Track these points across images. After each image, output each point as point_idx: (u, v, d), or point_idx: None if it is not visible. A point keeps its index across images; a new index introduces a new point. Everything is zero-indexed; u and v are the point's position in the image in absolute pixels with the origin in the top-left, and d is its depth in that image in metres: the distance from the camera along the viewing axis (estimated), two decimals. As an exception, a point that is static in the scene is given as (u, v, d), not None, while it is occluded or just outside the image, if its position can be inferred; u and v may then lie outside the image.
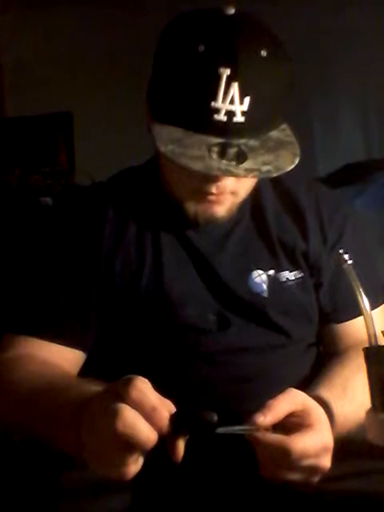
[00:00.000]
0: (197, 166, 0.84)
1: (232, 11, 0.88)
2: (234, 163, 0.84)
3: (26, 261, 1.06)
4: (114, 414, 0.67)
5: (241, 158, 0.85)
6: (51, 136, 3.28)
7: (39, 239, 1.07)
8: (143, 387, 0.69)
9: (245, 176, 0.87)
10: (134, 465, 0.70)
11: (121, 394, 0.69)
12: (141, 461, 0.71)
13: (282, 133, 0.90)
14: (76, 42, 3.08)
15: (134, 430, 0.67)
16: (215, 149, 0.85)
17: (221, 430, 0.71)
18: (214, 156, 0.85)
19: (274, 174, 0.86)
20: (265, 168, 0.85)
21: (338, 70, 2.90)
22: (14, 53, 3.20)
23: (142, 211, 1.03)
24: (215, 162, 0.84)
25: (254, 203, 1.04)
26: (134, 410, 0.68)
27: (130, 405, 0.68)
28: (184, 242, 1.01)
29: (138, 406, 0.68)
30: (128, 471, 0.70)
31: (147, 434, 0.67)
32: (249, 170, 0.85)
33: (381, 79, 2.83)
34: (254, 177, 0.90)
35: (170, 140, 0.86)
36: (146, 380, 0.70)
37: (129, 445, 0.68)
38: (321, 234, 1.04)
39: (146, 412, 0.68)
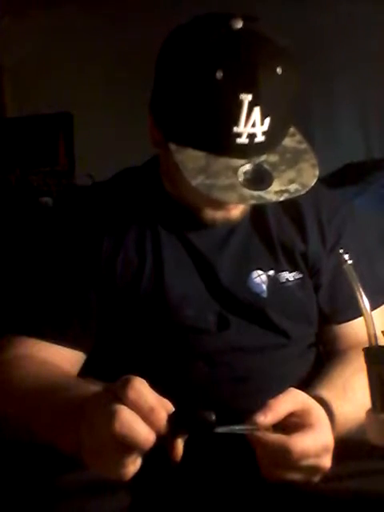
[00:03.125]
0: (231, 198, 0.85)
1: (239, 25, 0.87)
2: (263, 187, 0.85)
3: (26, 261, 1.06)
4: (112, 415, 0.67)
5: (267, 179, 0.86)
6: (51, 136, 3.28)
7: (40, 240, 1.07)
8: (141, 388, 0.69)
9: (277, 200, 0.87)
10: (133, 465, 0.70)
11: (118, 394, 0.69)
12: (139, 461, 0.71)
13: (293, 139, 0.91)
14: (76, 42, 3.08)
15: (132, 431, 0.67)
16: (242, 175, 0.85)
17: (221, 429, 0.71)
18: (244, 183, 0.85)
19: (303, 192, 0.87)
20: (292, 187, 0.86)
21: (337, 70, 2.89)
22: (14, 53, 3.20)
23: (142, 212, 1.03)
24: (246, 191, 0.85)
25: (254, 204, 1.04)
26: (131, 411, 0.68)
27: (127, 405, 0.68)
28: (184, 242, 1.02)
29: (136, 407, 0.68)
30: (126, 472, 0.70)
31: (145, 435, 0.67)
32: (279, 193, 0.86)
33: (381, 79, 2.83)
34: (285, 198, 0.89)
35: (196, 170, 0.86)
36: (144, 380, 0.70)
37: (127, 446, 0.68)
38: (320, 235, 1.04)
39: (143, 413, 0.68)
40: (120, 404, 0.68)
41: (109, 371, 0.83)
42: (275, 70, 0.86)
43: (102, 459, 0.70)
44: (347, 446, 0.82)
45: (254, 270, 1.01)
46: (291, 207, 1.05)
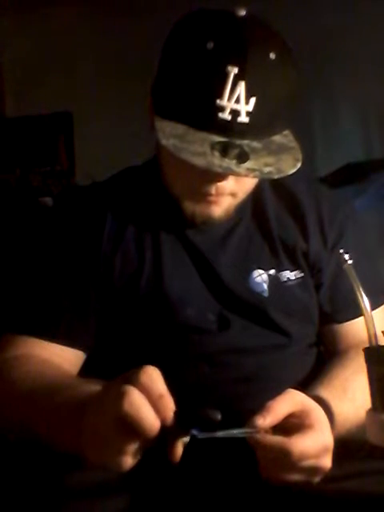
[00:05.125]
0: (198, 161, 0.84)
1: (243, 13, 0.88)
2: (235, 162, 0.84)
3: (25, 261, 1.06)
4: (122, 395, 0.67)
5: (242, 157, 0.85)
6: (51, 136, 3.28)
7: (39, 239, 1.07)
8: (154, 374, 0.69)
9: (246, 175, 0.86)
10: (133, 456, 0.69)
11: (131, 378, 0.69)
12: (139, 455, 0.70)
13: (284, 138, 0.91)
14: (76, 42, 3.08)
15: (139, 413, 0.67)
16: (217, 147, 0.85)
17: (221, 433, 0.71)
18: (216, 154, 0.84)
19: (275, 176, 0.86)
20: (266, 169, 0.85)
21: (337, 70, 2.89)
22: (14, 53, 3.20)
23: (142, 211, 1.03)
24: (217, 160, 0.84)
25: (254, 203, 1.04)
26: (141, 394, 0.68)
27: (138, 389, 0.68)
28: (184, 241, 1.01)
29: (146, 391, 0.68)
30: (125, 461, 0.69)
31: (151, 419, 0.67)
32: (250, 170, 0.85)
33: (380, 79, 2.83)
34: (254, 177, 0.89)
35: (172, 135, 0.85)
36: (158, 370, 0.70)
37: (131, 430, 0.67)
38: (321, 235, 1.04)
39: (153, 398, 0.68)
40: (131, 386, 0.68)
41: (109, 371, 0.83)
42: (268, 53, 0.86)
43: (104, 444, 0.69)
44: (347, 446, 0.82)
45: (254, 269, 1.01)
46: (292, 206, 1.05)
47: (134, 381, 0.69)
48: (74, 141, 3.27)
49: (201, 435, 0.69)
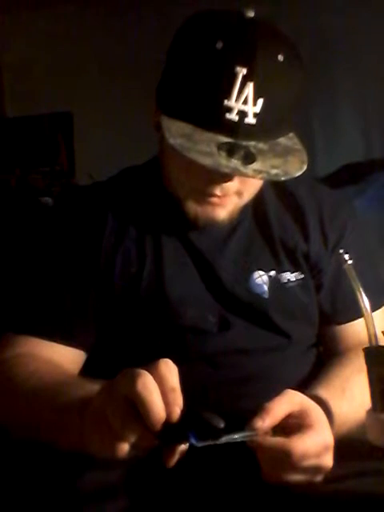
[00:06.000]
0: (206, 161, 0.83)
1: (251, 14, 0.88)
2: (241, 163, 0.84)
3: (26, 260, 1.06)
4: (137, 376, 0.67)
5: (249, 159, 0.85)
6: (51, 136, 3.29)
7: (40, 239, 1.07)
8: (172, 368, 0.70)
9: (253, 176, 0.86)
10: (130, 446, 0.69)
11: (150, 367, 0.69)
12: (137, 448, 0.69)
13: (290, 141, 0.91)
14: (76, 42, 3.08)
15: (151, 397, 0.67)
16: (224, 147, 0.84)
17: (221, 439, 0.70)
18: (223, 154, 0.84)
19: (282, 178, 0.86)
20: (273, 171, 0.85)
21: (338, 70, 2.89)
22: (14, 53, 3.21)
23: (142, 211, 1.03)
24: (224, 160, 0.84)
25: (255, 204, 1.04)
26: (155, 383, 0.68)
27: (155, 377, 0.68)
28: (185, 242, 1.01)
29: (161, 381, 0.68)
30: (122, 448, 0.68)
31: (159, 407, 0.67)
32: (257, 171, 0.85)
33: (381, 79, 2.83)
34: (262, 178, 0.89)
35: (178, 134, 0.85)
36: (176, 367, 0.70)
37: (136, 418, 0.67)
38: (322, 235, 1.04)
39: (165, 389, 0.68)
40: (148, 372, 0.68)
41: (109, 371, 0.83)
42: (276, 55, 0.86)
43: (106, 426, 0.69)
44: (347, 446, 0.82)
45: (255, 270, 1.01)
46: (293, 207, 1.05)
47: (152, 368, 0.69)
48: (73, 141, 3.27)
49: (200, 444, 0.68)
